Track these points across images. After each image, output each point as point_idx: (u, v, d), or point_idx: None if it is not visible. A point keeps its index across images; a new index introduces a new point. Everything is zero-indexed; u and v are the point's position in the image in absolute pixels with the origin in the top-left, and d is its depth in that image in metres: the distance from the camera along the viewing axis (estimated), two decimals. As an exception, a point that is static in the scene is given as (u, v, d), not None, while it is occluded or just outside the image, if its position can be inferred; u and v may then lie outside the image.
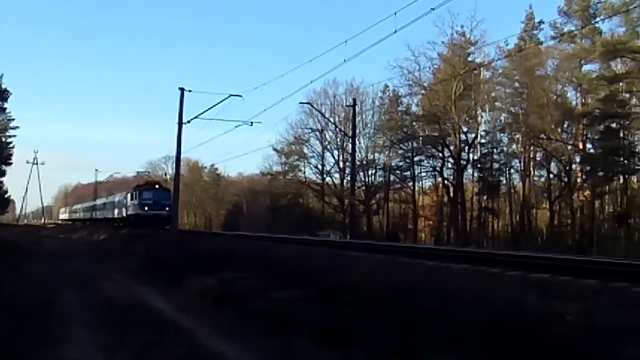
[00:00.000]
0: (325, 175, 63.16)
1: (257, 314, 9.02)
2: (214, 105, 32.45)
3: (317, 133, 61.16)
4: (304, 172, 66.27)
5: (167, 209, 44.05)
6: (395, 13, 20.84)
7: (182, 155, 36.85)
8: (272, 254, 15.35)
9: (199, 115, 33.54)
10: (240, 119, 38.22)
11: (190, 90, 33.17)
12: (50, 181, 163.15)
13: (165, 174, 78.40)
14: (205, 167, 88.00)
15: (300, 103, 54.32)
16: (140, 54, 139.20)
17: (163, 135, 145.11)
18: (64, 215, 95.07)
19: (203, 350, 7.53)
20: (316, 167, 64.10)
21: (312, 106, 53.53)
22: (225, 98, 31.80)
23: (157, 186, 49.21)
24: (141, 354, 7.09)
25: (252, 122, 34.06)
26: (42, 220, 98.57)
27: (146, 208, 45.39)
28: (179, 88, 32.97)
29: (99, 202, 69.52)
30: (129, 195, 50.77)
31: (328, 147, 62.18)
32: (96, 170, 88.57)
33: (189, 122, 33.58)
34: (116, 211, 55.44)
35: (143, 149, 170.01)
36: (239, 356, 7.16)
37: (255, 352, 7.24)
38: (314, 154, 63.85)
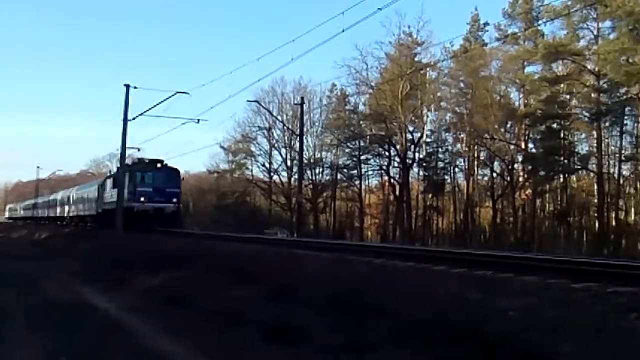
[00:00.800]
0: (272, 174, 63.13)
1: (205, 312, 8.96)
2: (160, 102, 31.82)
3: (265, 131, 61.11)
4: (252, 171, 66.12)
5: (174, 200, 33.18)
6: (343, 12, 20.97)
7: (127, 153, 35.97)
8: (220, 252, 15.24)
9: (145, 112, 32.90)
10: (186, 116, 37.74)
11: (135, 87, 32.51)
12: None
13: (110, 172, 77.03)
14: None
15: (247, 101, 54.14)
16: (84, 50, 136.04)
17: (108, 132, 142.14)
18: (9, 213, 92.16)
19: (148, 350, 7.42)
20: (263, 165, 64.00)
21: (260, 104, 53.34)
22: (172, 95, 31.25)
23: (159, 165, 34.46)
24: (84, 355, 6.96)
25: (198, 120, 33.44)
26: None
27: (142, 199, 32.62)
28: (124, 84, 32.25)
29: (59, 195, 57.59)
30: (108, 182, 37.53)
31: (275, 145, 62.17)
32: (38, 167, 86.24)
33: (134, 119, 32.87)
34: (87, 206, 43.57)
35: (87, 146, 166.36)
36: (186, 356, 7.10)
37: (203, 351, 7.18)
38: (262, 152, 63.75)
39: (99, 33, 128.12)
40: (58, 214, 55.10)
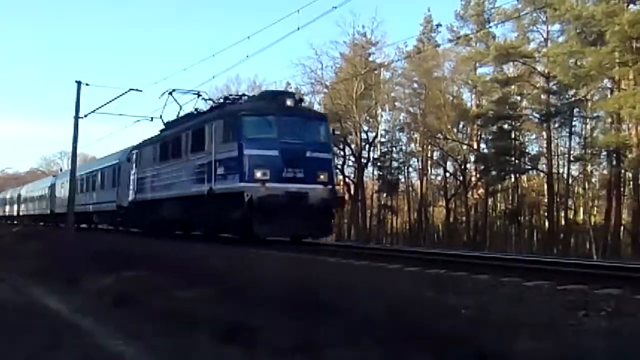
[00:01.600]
0: (227, 173, 62.36)
1: (159, 313, 8.84)
2: (113, 99, 31.12)
3: (220, 130, 60.33)
4: (206, 169, 65.12)
5: (323, 176, 16.82)
6: (298, 10, 20.86)
7: (79, 151, 35.12)
8: (174, 252, 15.08)
9: (97, 109, 32.25)
10: (140, 113, 36.87)
11: (87, 84, 31.85)
12: None
13: (60, 170, 75.33)
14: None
15: (202, 99, 53.27)
16: (34, 45, 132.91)
17: (59, 130, 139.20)
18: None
19: (100, 351, 7.30)
20: (218, 163, 63.12)
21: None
22: (125, 92, 30.69)
23: (289, 102, 17.29)
24: (33, 357, 6.81)
25: (152, 118, 32.83)
26: None
27: (260, 175, 16.05)
28: (76, 81, 31.53)
29: (29, 188, 46.69)
30: (146, 152, 24.46)
31: (230, 144, 61.57)
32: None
33: (85, 116, 32.16)
34: (95, 198, 33.26)
35: (37, 144, 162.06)
36: (139, 356, 7.00)
37: (155, 352, 7.10)
38: (216, 151, 62.87)
39: (47, 27, 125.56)
40: (35, 212, 46.86)
